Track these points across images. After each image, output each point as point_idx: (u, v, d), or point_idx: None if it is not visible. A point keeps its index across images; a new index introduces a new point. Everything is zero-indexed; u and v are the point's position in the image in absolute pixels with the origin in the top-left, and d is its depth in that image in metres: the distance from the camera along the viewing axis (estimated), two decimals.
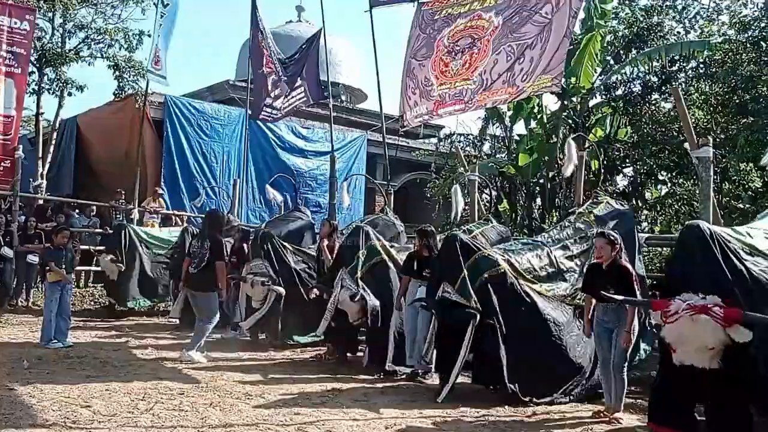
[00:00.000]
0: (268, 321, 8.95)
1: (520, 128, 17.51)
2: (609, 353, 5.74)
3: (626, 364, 5.72)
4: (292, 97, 13.24)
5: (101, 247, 13.04)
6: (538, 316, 6.37)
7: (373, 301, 7.42)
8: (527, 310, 6.36)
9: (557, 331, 6.38)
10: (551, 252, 6.88)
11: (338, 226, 9.73)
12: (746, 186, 13.50)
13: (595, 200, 7.80)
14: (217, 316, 8.07)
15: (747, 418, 4.60)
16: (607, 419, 5.72)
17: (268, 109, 13.98)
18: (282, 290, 8.78)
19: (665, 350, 4.69)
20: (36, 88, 15.85)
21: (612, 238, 5.79)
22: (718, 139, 12.76)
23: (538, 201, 17.37)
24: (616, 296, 5.34)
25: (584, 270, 6.43)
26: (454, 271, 6.35)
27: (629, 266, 5.81)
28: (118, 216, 14.50)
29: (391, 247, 8.26)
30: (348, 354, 8.19)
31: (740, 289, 4.67)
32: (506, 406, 6.03)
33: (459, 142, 18.67)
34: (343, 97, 25.01)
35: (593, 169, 14.47)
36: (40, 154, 16.05)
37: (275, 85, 13.61)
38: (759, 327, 4.37)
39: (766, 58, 12.94)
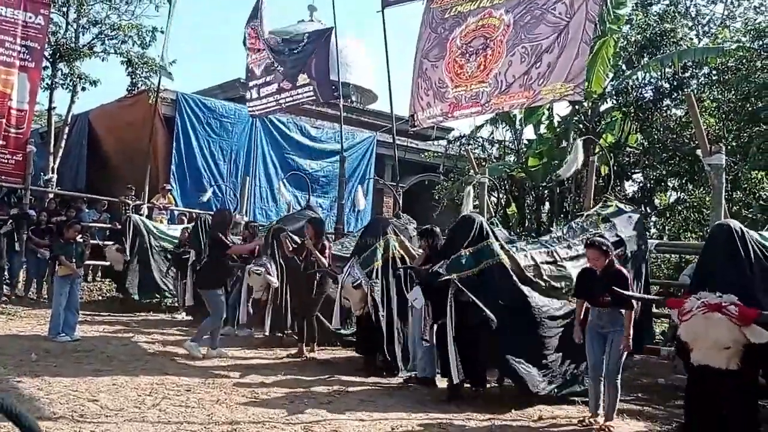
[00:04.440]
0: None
1: (529, 132, 17.50)
2: (600, 359, 5.59)
3: (620, 371, 5.56)
4: (298, 94, 13.25)
5: (110, 242, 13.14)
6: (531, 312, 6.29)
7: (376, 291, 7.27)
8: (521, 305, 6.26)
9: (550, 330, 6.32)
10: (556, 251, 6.83)
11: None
12: (757, 195, 13.43)
13: (604, 204, 7.76)
14: (223, 312, 8.16)
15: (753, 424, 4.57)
16: (598, 427, 5.57)
17: (255, 102, 14.10)
18: (275, 281, 8.79)
19: (686, 355, 4.65)
20: (49, 82, 15.90)
21: (604, 247, 5.61)
22: (729, 147, 12.67)
23: (547, 205, 17.32)
24: (631, 294, 5.26)
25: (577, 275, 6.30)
26: (457, 248, 6.28)
27: (624, 270, 5.69)
28: (127, 212, 14.56)
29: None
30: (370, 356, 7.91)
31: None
32: (513, 410, 6.01)
33: (468, 144, 18.62)
34: (354, 98, 25.03)
35: (603, 174, 14.42)
36: (52, 149, 16.11)
37: (266, 77, 13.70)
38: None
39: None
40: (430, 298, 6.21)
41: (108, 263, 12.88)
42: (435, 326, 6.20)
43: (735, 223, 4.97)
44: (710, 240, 5.14)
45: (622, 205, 7.72)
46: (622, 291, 5.23)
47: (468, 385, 6.41)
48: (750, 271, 4.69)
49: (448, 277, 5.99)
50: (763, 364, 4.69)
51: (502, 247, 6.45)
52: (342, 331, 8.81)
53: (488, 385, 6.58)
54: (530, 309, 6.26)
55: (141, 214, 14.24)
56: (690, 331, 4.45)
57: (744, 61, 13.47)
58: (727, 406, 4.57)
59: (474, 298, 5.92)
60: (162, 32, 15.82)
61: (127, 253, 12.05)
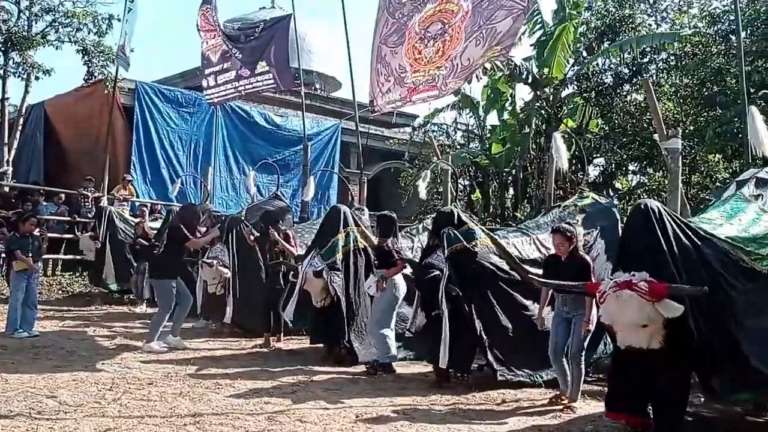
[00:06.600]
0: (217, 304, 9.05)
1: (492, 118, 17.60)
2: (563, 342, 5.70)
3: (583, 353, 5.67)
4: (257, 81, 13.08)
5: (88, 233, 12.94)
6: (510, 294, 6.46)
7: (336, 281, 7.27)
8: (500, 287, 6.43)
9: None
10: (536, 238, 6.98)
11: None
12: (714, 177, 13.73)
13: (580, 195, 7.84)
14: (171, 304, 7.94)
15: (683, 403, 4.63)
16: (562, 407, 5.68)
17: (213, 90, 13.95)
18: (227, 271, 8.81)
19: (612, 336, 4.70)
20: (1, 72, 15.45)
21: (569, 233, 5.74)
22: (687, 131, 12.94)
23: (511, 191, 17.50)
24: (551, 281, 5.37)
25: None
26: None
27: (587, 258, 5.83)
28: (87, 204, 14.24)
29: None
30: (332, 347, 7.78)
31: (688, 269, 4.58)
32: (477, 394, 6.06)
33: (433, 131, 18.67)
34: (317, 85, 24.84)
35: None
36: (6, 140, 15.67)
37: (223, 64, 13.56)
38: (689, 298, 4.36)
39: (734, 52, 13.13)
40: (421, 289, 6.56)
41: (69, 257, 12.68)
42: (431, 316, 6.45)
43: (652, 203, 4.87)
44: (628, 221, 5.14)
45: (597, 197, 7.84)
46: (546, 281, 5.52)
47: (453, 372, 6.51)
48: (668, 250, 4.59)
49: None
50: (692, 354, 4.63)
51: (483, 231, 6.60)
52: None
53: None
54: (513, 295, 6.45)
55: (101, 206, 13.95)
56: (607, 313, 4.47)
57: (700, 46, 13.72)
58: (653, 389, 4.57)
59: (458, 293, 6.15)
60: (119, 20, 15.47)
61: (100, 242, 12.09)
